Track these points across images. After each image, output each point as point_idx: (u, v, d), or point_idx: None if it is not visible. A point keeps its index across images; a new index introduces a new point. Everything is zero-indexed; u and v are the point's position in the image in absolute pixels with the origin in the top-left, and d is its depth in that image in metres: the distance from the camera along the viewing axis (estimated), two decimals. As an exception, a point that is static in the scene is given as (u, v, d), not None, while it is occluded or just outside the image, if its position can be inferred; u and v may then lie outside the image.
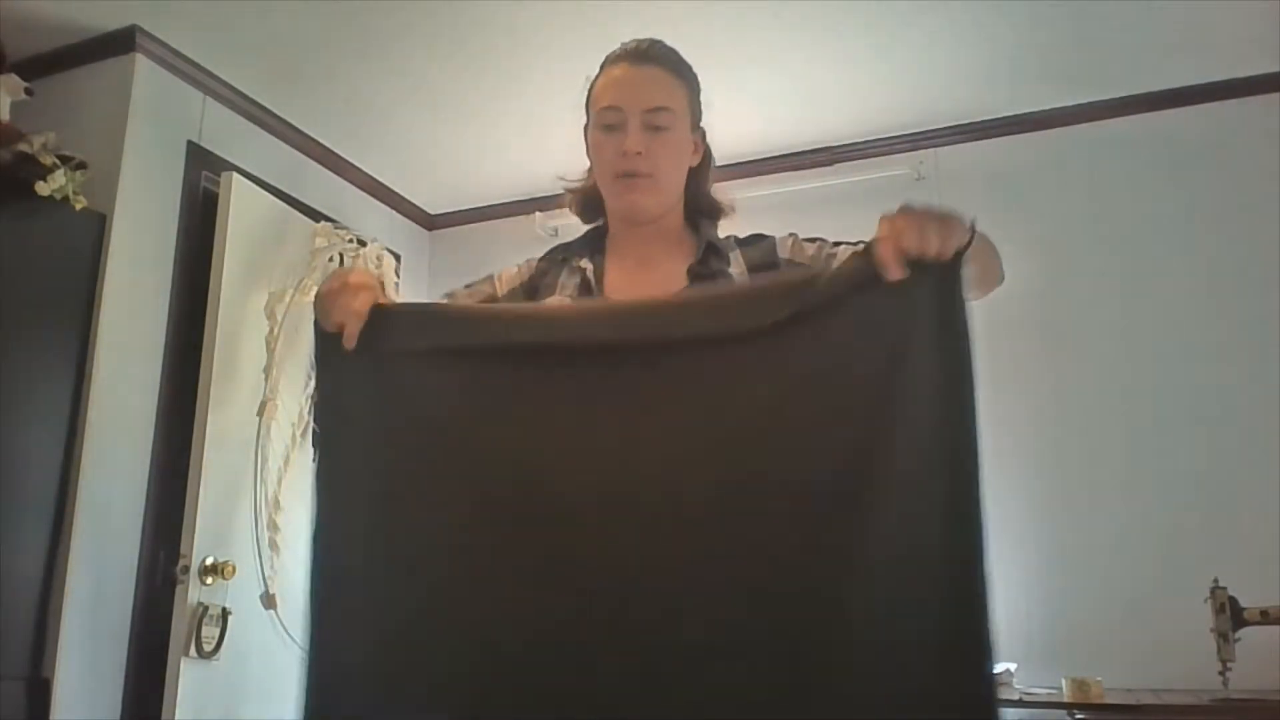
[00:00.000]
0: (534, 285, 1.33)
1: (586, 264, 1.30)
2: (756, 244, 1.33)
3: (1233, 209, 2.96)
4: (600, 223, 1.40)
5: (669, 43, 1.37)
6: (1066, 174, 3.16)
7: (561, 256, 1.35)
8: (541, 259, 1.37)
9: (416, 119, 3.27)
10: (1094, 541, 2.83)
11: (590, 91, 1.34)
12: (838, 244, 1.27)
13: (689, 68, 1.34)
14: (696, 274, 1.26)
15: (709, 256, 1.29)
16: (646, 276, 1.28)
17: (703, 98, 1.37)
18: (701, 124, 1.36)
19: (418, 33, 2.77)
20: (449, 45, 2.83)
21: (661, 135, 1.25)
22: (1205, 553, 2.63)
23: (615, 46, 1.35)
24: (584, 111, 1.35)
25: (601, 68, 1.34)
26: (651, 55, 1.31)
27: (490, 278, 1.37)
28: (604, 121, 1.27)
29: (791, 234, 1.32)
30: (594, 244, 1.36)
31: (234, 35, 2.80)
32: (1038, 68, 2.97)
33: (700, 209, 1.36)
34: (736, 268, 1.28)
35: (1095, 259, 3.06)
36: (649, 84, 1.27)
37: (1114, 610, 2.72)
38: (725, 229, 1.38)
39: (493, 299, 1.32)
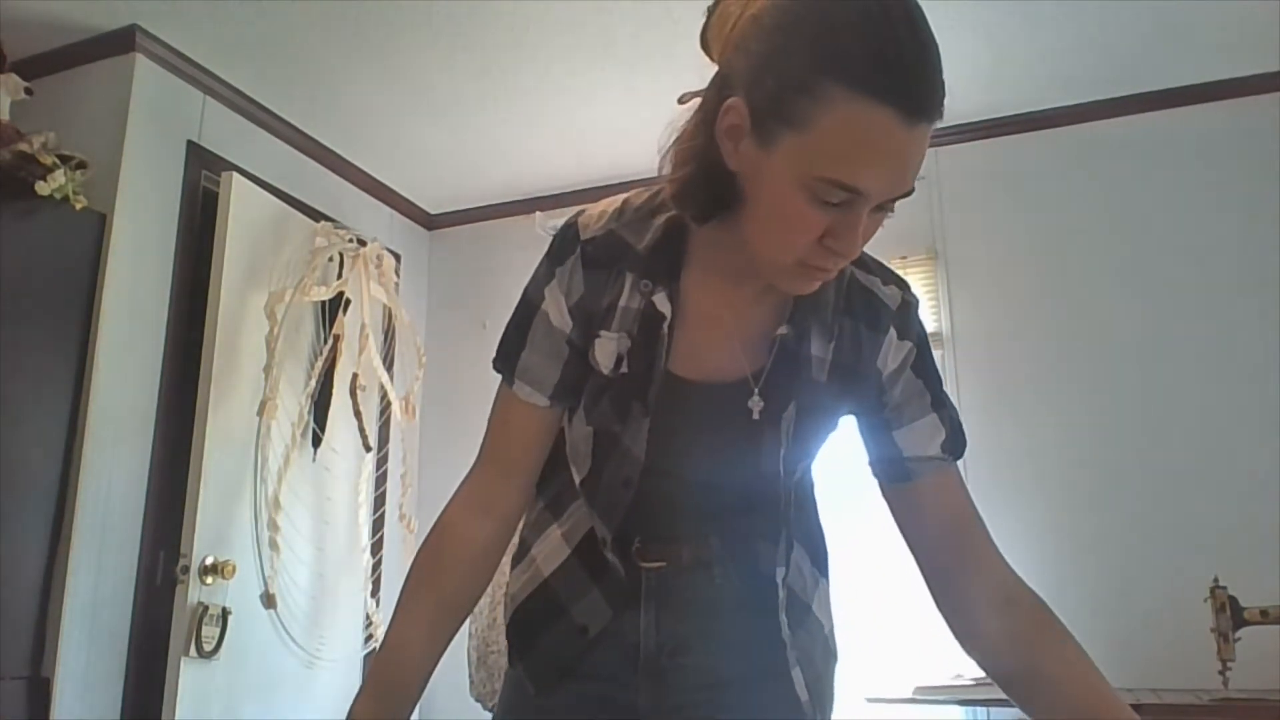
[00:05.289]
0: (588, 311, 0.99)
1: (659, 296, 0.95)
2: (869, 316, 0.98)
3: (1234, 209, 2.96)
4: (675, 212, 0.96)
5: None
6: (1067, 174, 3.15)
7: (621, 261, 0.97)
8: (588, 257, 0.98)
9: (416, 119, 3.27)
10: (1093, 541, 2.83)
11: (815, 97, 0.76)
12: (936, 403, 1.00)
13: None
14: (783, 348, 0.95)
15: (806, 318, 0.95)
16: (733, 302, 0.97)
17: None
18: None
19: (418, 32, 2.77)
20: (449, 45, 2.83)
21: (885, 215, 0.87)
22: (1205, 553, 2.63)
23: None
24: (776, 97, 0.79)
25: (850, 80, 0.76)
26: (934, 100, 0.79)
27: (541, 309, 1.01)
28: (825, 193, 0.80)
29: (909, 336, 1.00)
30: (669, 250, 0.96)
31: (234, 35, 2.80)
32: (1039, 67, 2.97)
33: None
34: (820, 351, 0.96)
35: (1096, 259, 3.06)
36: (917, 159, 0.83)
37: (1114, 610, 2.72)
38: None
39: (560, 332, 1.01)
